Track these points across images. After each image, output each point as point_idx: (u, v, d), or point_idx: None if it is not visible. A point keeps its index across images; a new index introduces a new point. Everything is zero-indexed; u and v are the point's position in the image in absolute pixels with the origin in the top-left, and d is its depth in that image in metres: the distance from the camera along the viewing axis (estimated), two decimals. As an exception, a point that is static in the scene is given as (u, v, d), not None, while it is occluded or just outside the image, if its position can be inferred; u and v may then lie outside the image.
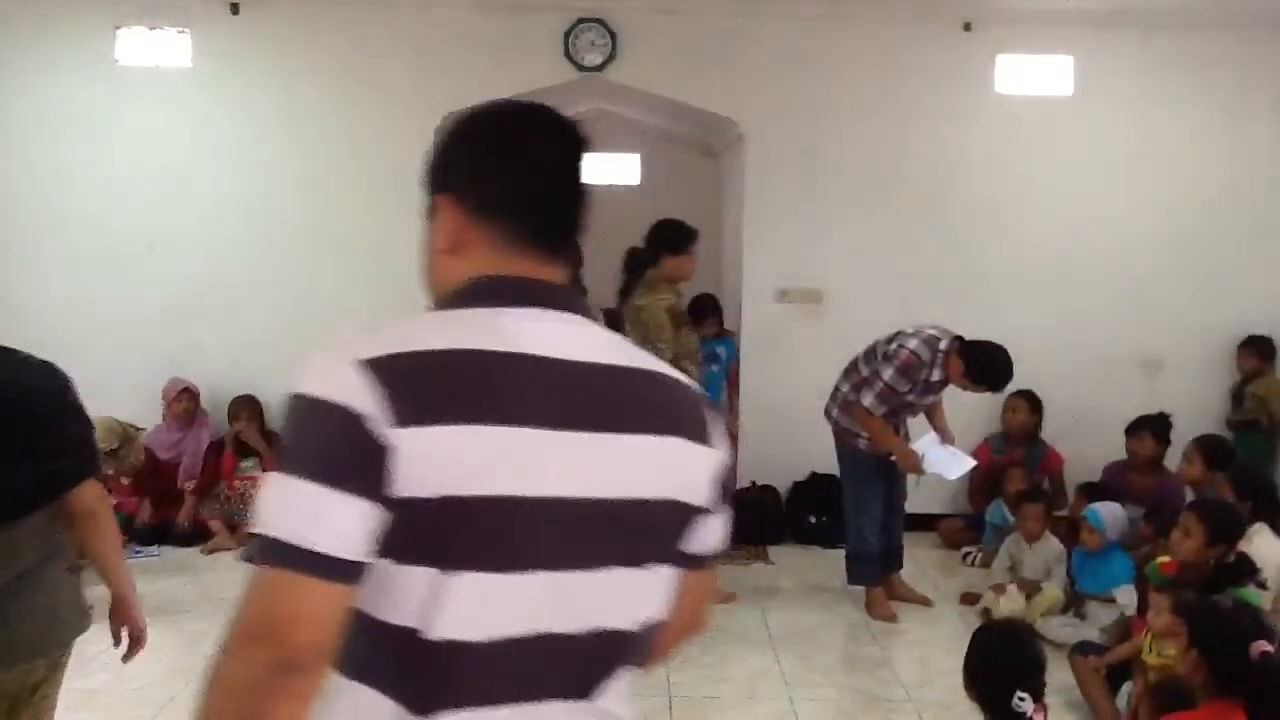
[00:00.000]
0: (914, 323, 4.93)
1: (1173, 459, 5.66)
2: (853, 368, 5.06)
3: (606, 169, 8.09)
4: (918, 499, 5.65)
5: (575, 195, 1.26)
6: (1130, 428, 5.81)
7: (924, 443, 5.07)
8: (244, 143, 6.20)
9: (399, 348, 1.10)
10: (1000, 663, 2.62)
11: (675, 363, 3.76)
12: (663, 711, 3.98)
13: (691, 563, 1.31)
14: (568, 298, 1.23)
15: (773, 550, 5.89)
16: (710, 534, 1.31)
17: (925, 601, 5.20)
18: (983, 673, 2.65)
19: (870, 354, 4.97)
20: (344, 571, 1.05)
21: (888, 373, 4.80)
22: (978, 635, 2.82)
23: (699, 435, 1.26)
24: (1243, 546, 3.90)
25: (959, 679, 2.73)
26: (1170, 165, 6.35)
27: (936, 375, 4.80)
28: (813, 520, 6.05)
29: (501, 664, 1.14)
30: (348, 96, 6.28)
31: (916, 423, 5.19)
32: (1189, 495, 5.25)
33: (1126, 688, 3.87)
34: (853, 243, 6.15)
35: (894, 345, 4.83)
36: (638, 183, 8.01)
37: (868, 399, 4.85)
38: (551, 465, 1.13)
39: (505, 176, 1.23)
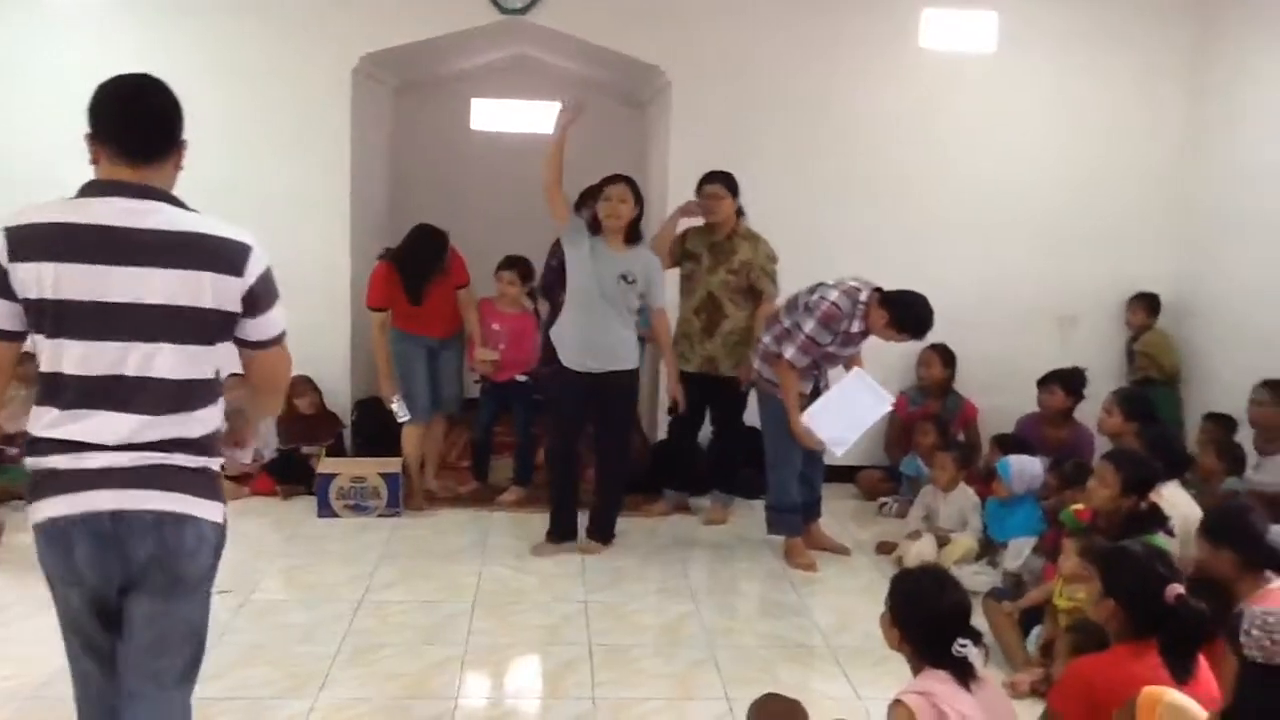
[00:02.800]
0: (836, 275, 4.95)
1: (1083, 411, 5.80)
2: (774, 320, 5.07)
3: (528, 117, 7.94)
4: (836, 450, 5.71)
5: (140, 131, 2.20)
6: (1041, 381, 5.92)
7: (846, 384, 5.03)
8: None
9: (25, 220, 2.13)
10: (932, 609, 2.59)
11: None
12: (583, 660, 3.97)
13: (251, 345, 2.33)
14: (140, 190, 2.18)
15: (694, 501, 5.90)
16: (258, 329, 2.30)
17: (844, 551, 5.26)
18: (914, 619, 2.61)
19: (791, 306, 4.98)
20: (5, 335, 2.18)
21: (809, 325, 4.80)
22: (900, 583, 2.75)
23: (230, 270, 2.21)
24: (1152, 498, 4.00)
25: (876, 626, 2.73)
26: (1086, 125, 6.45)
27: (857, 327, 4.82)
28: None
29: (90, 388, 2.15)
30: (266, 37, 6.07)
31: (836, 372, 5.22)
32: (1098, 447, 5.39)
33: (1036, 631, 3.96)
34: (778, 196, 6.12)
35: (815, 297, 4.84)
36: (560, 131, 7.89)
37: (789, 351, 4.85)
38: (91, 283, 2.11)
39: (99, 120, 2.20)
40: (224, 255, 2.20)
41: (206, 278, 2.17)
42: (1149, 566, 2.84)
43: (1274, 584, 3.10)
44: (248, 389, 2.47)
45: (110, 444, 2.15)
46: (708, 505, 5.81)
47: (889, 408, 5.14)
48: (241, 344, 2.32)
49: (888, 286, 4.87)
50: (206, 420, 2.27)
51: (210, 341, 2.24)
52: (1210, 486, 4.88)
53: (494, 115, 7.95)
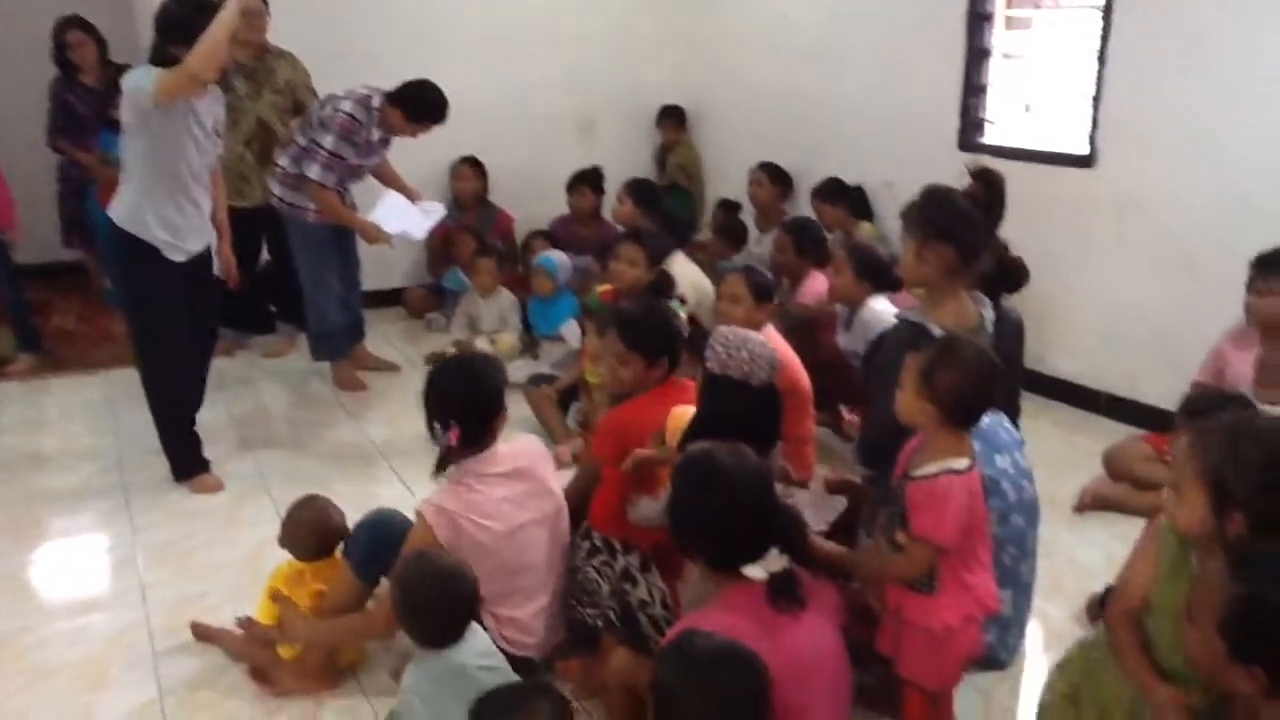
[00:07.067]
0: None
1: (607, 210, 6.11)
2: (289, 141, 4.82)
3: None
4: (379, 274, 5.66)
5: None
6: (570, 184, 6.16)
7: (386, 206, 4.95)
8: None
9: None
10: (450, 395, 2.67)
11: None
12: (121, 509, 3.76)
13: None
14: None
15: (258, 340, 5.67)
16: None
17: (392, 367, 5.27)
18: (434, 405, 2.68)
19: (306, 124, 4.75)
20: None
21: (328, 140, 4.61)
22: (437, 368, 2.81)
23: None
24: (666, 270, 4.32)
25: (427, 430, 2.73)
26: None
27: (376, 135, 4.70)
28: (273, 309, 5.80)
29: None
30: None
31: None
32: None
33: (574, 407, 4.22)
34: (303, 19, 5.72)
35: (328, 110, 4.63)
36: None
37: (314, 171, 4.64)
38: None
39: None
40: None
41: None
42: (660, 317, 3.07)
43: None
44: None
45: None
46: (271, 341, 5.56)
47: (443, 210, 5.15)
48: None
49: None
50: None
51: None
52: (717, 262, 5.37)
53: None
